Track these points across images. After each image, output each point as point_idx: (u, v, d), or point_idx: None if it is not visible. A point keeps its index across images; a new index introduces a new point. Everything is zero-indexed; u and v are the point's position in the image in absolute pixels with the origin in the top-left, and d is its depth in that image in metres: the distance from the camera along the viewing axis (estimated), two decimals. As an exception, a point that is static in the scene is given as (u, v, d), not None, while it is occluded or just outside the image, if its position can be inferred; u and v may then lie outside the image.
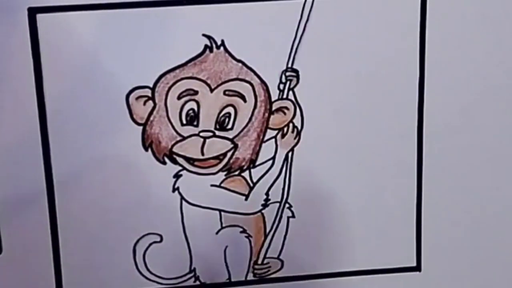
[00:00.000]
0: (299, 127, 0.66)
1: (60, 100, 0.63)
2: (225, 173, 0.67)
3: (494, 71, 0.67)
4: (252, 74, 0.65)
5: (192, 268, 0.68)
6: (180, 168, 0.66)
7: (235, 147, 0.66)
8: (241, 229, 0.68)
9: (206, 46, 0.64)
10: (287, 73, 0.65)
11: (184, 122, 0.65)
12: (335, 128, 0.67)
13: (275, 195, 0.68)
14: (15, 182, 0.65)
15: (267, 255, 0.69)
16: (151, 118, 0.65)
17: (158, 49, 0.63)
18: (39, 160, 0.64)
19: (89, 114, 0.64)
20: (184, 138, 0.65)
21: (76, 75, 0.63)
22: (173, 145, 0.65)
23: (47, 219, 0.66)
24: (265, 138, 0.66)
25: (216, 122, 0.65)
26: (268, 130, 0.66)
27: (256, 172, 0.67)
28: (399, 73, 0.66)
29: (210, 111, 0.65)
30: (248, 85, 0.65)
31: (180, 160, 0.66)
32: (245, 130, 0.66)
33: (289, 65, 0.65)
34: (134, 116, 0.64)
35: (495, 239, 0.71)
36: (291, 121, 0.66)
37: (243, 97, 0.65)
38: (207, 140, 0.65)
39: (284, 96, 0.65)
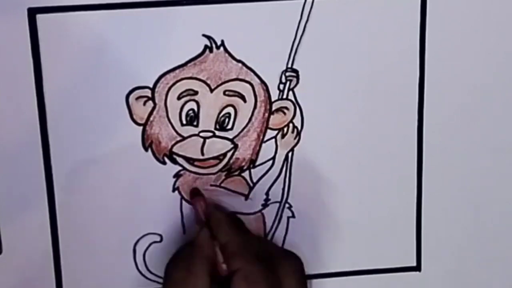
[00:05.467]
0: (299, 127, 0.66)
1: (60, 100, 0.64)
2: (225, 173, 0.67)
3: (494, 71, 0.67)
4: (252, 74, 0.65)
5: (192, 268, 0.68)
6: (180, 168, 0.66)
7: (235, 147, 0.66)
8: (241, 229, 0.68)
9: (206, 46, 0.64)
10: (287, 73, 0.65)
11: (184, 122, 0.65)
12: (335, 128, 0.67)
13: (275, 195, 0.68)
14: (15, 182, 0.65)
15: (267, 255, 0.69)
16: (151, 118, 0.65)
17: (158, 49, 0.63)
18: (39, 160, 0.64)
19: (89, 114, 0.64)
20: (184, 138, 0.65)
21: (76, 75, 0.63)
22: (173, 145, 0.65)
23: (47, 219, 0.66)
24: (265, 138, 0.66)
25: (216, 122, 0.65)
26: (268, 130, 0.66)
27: (256, 172, 0.67)
28: (399, 73, 0.66)
29: (210, 111, 0.65)
30: (248, 85, 0.65)
31: (180, 160, 0.66)
32: (245, 130, 0.66)
33: (289, 65, 0.65)
34: (134, 116, 0.64)
35: (495, 239, 0.71)
36: (291, 121, 0.66)
37: (243, 97, 0.65)
38: (207, 140, 0.65)
39: (284, 96, 0.65)
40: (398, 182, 0.69)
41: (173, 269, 0.62)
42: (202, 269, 0.61)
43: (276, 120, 0.66)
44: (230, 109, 0.65)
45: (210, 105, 0.65)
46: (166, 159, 0.66)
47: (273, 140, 0.67)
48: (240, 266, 0.61)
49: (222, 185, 0.67)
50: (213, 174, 0.67)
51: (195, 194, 0.66)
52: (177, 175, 0.66)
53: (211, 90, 0.64)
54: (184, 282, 0.61)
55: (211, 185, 0.67)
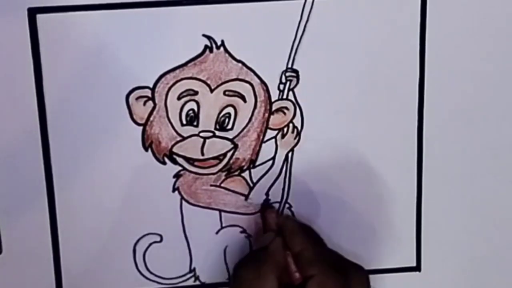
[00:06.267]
0: (299, 127, 0.66)
1: (60, 100, 0.63)
2: (225, 173, 0.67)
3: (494, 71, 0.67)
4: (252, 74, 0.65)
5: (192, 268, 0.68)
6: (180, 168, 0.66)
7: (235, 147, 0.66)
8: (241, 229, 0.68)
9: (206, 46, 0.64)
10: (287, 73, 0.65)
11: (184, 122, 0.65)
12: (335, 128, 0.67)
13: (275, 195, 0.68)
14: (15, 182, 0.65)
15: (267, 255, 0.69)
16: (151, 118, 0.65)
17: (158, 49, 0.63)
18: (39, 160, 0.64)
19: (89, 114, 0.64)
20: (184, 138, 0.65)
21: (76, 75, 0.63)
22: (173, 145, 0.65)
23: (47, 219, 0.66)
24: (265, 138, 0.66)
25: (216, 122, 0.65)
26: (268, 130, 0.66)
27: (256, 172, 0.67)
28: (399, 73, 0.66)
29: (210, 111, 0.65)
30: (248, 85, 0.65)
31: (180, 160, 0.66)
32: (245, 130, 0.66)
33: (289, 65, 0.65)
34: (134, 116, 0.64)
35: (495, 239, 0.71)
36: (291, 121, 0.66)
37: (243, 97, 0.65)
38: (207, 140, 0.65)
39: (284, 96, 0.65)
40: (398, 182, 0.69)
41: (243, 270, 0.63)
42: (271, 273, 0.61)
43: (276, 120, 0.66)
44: (230, 109, 0.65)
45: (210, 105, 0.65)
46: (166, 159, 0.66)
47: (273, 140, 0.67)
48: (315, 272, 0.61)
49: (222, 185, 0.67)
50: (213, 174, 0.67)
51: (266, 206, 0.67)
52: (177, 175, 0.66)
53: (211, 90, 0.64)
54: (253, 283, 0.61)
55: (211, 185, 0.67)
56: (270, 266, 0.62)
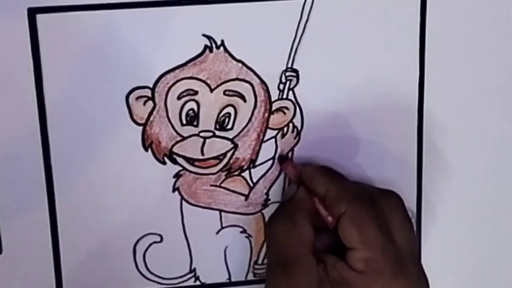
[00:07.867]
0: (299, 127, 0.66)
1: (60, 100, 0.64)
2: (225, 173, 0.67)
3: (494, 71, 0.67)
4: (252, 74, 0.65)
5: (192, 268, 0.68)
6: (180, 168, 0.66)
7: (235, 147, 0.66)
8: (241, 229, 0.68)
9: (206, 46, 0.64)
10: (287, 73, 0.65)
11: (184, 122, 0.65)
12: (335, 128, 0.67)
13: (275, 195, 0.68)
14: (15, 182, 0.65)
15: (267, 255, 0.69)
16: (151, 118, 0.65)
17: (158, 49, 0.63)
18: (39, 160, 0.64)
19: (89, 114, 0.64)
20: (184, 138, 0.65)
21: (76, 75, 0.63)
22: (173, 145, 0.65)
23: (47, 219, 0.66)
24: (265, 138, 0.66)
25: (216, 122, 0.65)
26: (268, 130, 0.66)
27: (256, 172, 0.67)
28: (399, 73, 0.66)
29: (210, 111, 0.65)
30: (248, 85, 0.65)
31: (180, 160, 0.66)
32: (245, 130, 0.66)
33: (289, 65, 0.65)
34: (134, 116, 0.64)
35: (495, 239, 0.71)
36: (291, 121, 0.66)
37: (243, 97, 0.65)
38: (207, 140, 0.65)
39: (284, 96, 0.65)
40: (398, 183, 0.69)
41: (276, 223, 0.63)
42: (305, 219, 0.62)
43: (276, 120, 0.66)
44: (230, 109, 0.65)
45: (210, 105, 0.65)
46: (166, 159, 0.66)
47: (273, 140, 0.67)
48: (344, 209, 0.61)
49: (222, 185, 0.67)
50: (213, 174, 0.67)
51: (282, 160, 0.66)
52: (177, 175, 0.66)
53: (211, 90, 0.64)
54: (289, 233, 0.61)
55: (211, 185, 0.67)
56: (302, 214, 0.62)
